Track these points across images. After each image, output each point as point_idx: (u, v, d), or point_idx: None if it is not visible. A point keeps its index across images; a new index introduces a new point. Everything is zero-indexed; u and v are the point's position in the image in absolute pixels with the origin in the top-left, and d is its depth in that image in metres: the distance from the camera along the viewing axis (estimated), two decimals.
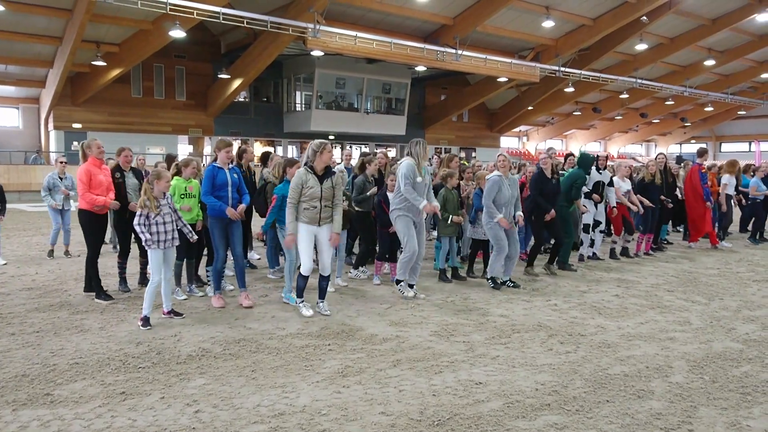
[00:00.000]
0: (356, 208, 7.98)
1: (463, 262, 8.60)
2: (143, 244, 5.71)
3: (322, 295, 6.20)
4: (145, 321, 5.61)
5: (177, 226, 5.89)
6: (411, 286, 7.02)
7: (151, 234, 5.62)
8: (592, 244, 9.61)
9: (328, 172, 5.96)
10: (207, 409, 3.84)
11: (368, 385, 4.24)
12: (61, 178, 9.58)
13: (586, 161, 8.83)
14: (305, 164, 5.96)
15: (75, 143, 7.08)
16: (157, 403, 3.94)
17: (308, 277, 6.05)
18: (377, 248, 8.12)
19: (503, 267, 7.51)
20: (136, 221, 5.66)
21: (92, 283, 6.75)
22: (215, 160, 6.51)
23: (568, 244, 8.71)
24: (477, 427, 3.62)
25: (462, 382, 4.32)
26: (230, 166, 6.56)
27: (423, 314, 6.18)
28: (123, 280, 7.16)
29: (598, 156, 9.60)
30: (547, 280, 8.01)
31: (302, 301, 6.14)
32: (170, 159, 8.49)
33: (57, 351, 4.94)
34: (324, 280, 6.15)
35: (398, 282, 6.96)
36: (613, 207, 9.43)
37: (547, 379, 4.38)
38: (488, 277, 7.48)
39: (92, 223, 6.71)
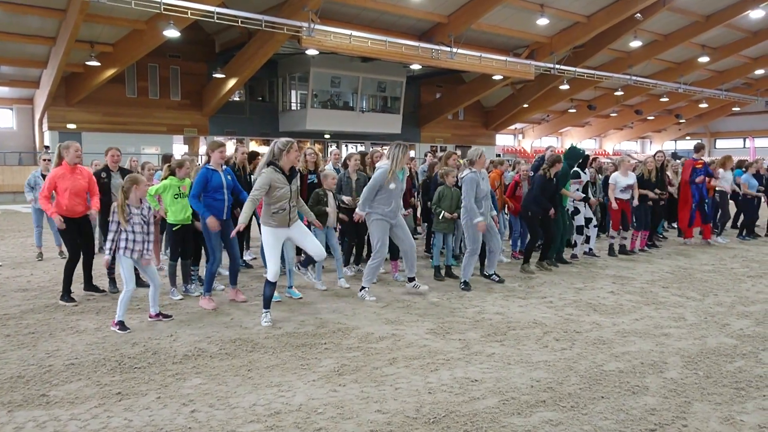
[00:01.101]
0: (342, 205, 8.01)
1: (457, 260, 8.62)
2: (106, 247, 5.57)
3: (265, 303, 5.89)
4: (122, 326, 5.51)
5: (148, 231, 5.72)
6: (412, 279, 7.03)
7: (119, 241, 5.53)
8: (587, 240, 9.65)
9: (293, 172, 5.77)
10: (203, 409, 3.84)
11: (364, 384, 4.25)
12: (44, 176, 9.53)
13: (572, 155, 8.88)
14: (271, 163, 5.67)
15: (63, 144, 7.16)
16: (153, 403, 3.94)
17: (275, 284, 5.82)
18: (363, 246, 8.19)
19: (489, 263, 7.64)
20: (113, 228, 5.53)
21: (63, 285, 6.59)
22: (208, 161, 6.44)
23: (556, 240, 8.75)
24: (473, 424, 3.63)
25: (458, 379, 4.33)
26: (223, 167, 6.50)
27: (419, 312, 6.19)
28: (112, 280, 7.14)
29: (587, 156, 9.68)
30: (543, 277, 8.04)
31: (267, 312, 5.78)
32: (166, 159, 8.49)
33: (52, 352, 4.94)
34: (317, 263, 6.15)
35: (362, 288, 6.79)
36: (592, 198, 9.56)
37: (543, 376, 4.40)
38: (461, 280, 7.37)
39: (64, 228, 6.54)
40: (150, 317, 5.82)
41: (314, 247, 5.95)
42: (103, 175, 7.21)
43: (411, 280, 7.05)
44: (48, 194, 6.50)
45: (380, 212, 6.69)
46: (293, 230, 5.83)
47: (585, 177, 9.36)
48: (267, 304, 5.82)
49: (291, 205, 5.72)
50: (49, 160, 9.79)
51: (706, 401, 3.98)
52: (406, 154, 6.82)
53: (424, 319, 5.92)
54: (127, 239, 5.55)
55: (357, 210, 6.81)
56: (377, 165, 7.03)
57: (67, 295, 6.56)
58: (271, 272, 5.74)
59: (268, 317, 5.76)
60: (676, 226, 12.66)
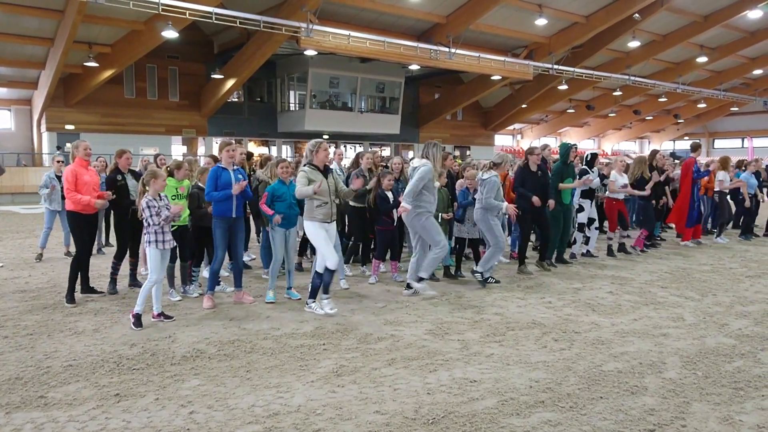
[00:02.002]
0: (351, 204, 8.03)
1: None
2: (158, 221, 5.65)
3: (325, 290, 6.24)
4: (137, 320, 5.58)
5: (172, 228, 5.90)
6: (421, 280, 7.02)
7: (152, 234, 5.64)
8: (586, 241, 9.65)
9: (327, 169, 6.17)
10: (201, 410, 3.84)
11: (363, 384, 4.25)
12: (58, 177, 9.58)
13: (562, 151, 8.94)
14: (307, 163, 6.12)
15: (68, 144, 7.26)
16: (152, 404, 3.93)
17: (334, 271, 6.16)
18: (371, 246, 8.16)
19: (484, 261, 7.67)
20: (152, 221, 5.64)
21: (69, 284, 6.62)
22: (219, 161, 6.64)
23: (554, 240, 8.76)
24: (471, 425, 3.63)
25: (456, 380, 4.33)
26: (234, 167, 6.59)
27: (417, 313, 6.19)
28: (113, 281, 7.14)
29: (595, 154, 9.74)
30: (541, 278, 8.04)
31: (328, 297, 6.14)
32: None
33: (51, 353, 4.93)
34: (329, 275, 6.19)
35: (421, 280, 6.90)
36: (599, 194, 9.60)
37: (542, 377, 4.39)
38: (479, 271, 7.45)
39: (80, 223, 6.65)
40: (152, 317, 5.82)
41: (334, 254, 6.16)
42: (119, 177, 7.24)
43: (420, 280, 7.04)
44: (74, 189, 6.53)
45: (430, 209, 6.80)
46: (331, 229, 6.20)
47: (593, 175, 9.39)
48: (326, 289, 6.13)
49: (332, 199, 6.10)
50: (62, 161, 9.85)
51: (704, 401, 3.98)
52: (441, 153, 7.00)
53: (423, 320, 5.92)
54: (157, 232, 5.66)
55: (403, 204, 6.72)
56: (413, 164, 7.03)
57: (70, 295, 6.59)
58: (332, 261, 6.03)
59: (331, 304, 6.08)
60: (673, 226, 12.70)
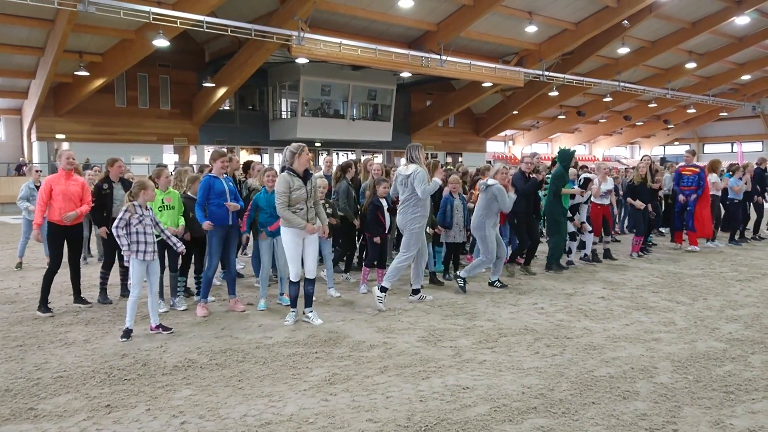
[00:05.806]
0: (340, 214, 8.05)
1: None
2: (122, 251, 5.61)
3: (308, 302, 6.17)
4: (126, 333, 5.55)
5: (157, 238, 5.82)
6: (417, 291, 7.04)
7: (131, 243, 5.56)
8: (582, 246, 9.72)
9: (307, 174, 5.96)
10: (193, 420, 3.82)
11: (355, 392, 4.24)
12: (37, 187, 9.56)
13: (564, 157, 8.97)
14: (286, 168, 5.95)
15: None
16: (143, 415, 3.91)
17: (299, 283, 6.05)
18: (359, 254, 8.19)
19: (494, 269, 7.74)
20: (115, 224, 5.55)
21: (41, 294, 6.57)
22: (210, 170, 6.57)
23: (555, 245, 8.83)
24: None
25: (449, 387, 4.33)
26: (224, 175, 6.58)
27: (410, 320, 6.19)
28: (104, 291, 7.10)
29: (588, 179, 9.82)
30: (533, 283, 8.06)
31: (293, 311, 6.11)
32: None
33: (41, 364, 4.89)
34: (310, 284, 6.12)
35: (383, 289, 6.64)
36: (583, 222, 9.53)
37: (534, 383, 4.40)
38: (461, 276, 7.49)
39: (54, 235, 6.58)
40: (150, 329, 5.77)
41: (312, 263, 6.07)
42: (105, 186, 7.18)
43: (416, 292, 7.05)
44: (46, 200, 6.50)
45: (422, 215, 6.77)
46: (308, 236, 6.00)
47: (594, 184, 9.48)
48: (293, 303, 6.12)
49: (308, 206, 5.95)
50: (40, 171, 9.89)
51: (696, 405, 4.00)
52: (423, 153, 6.98)
53: (416, 327, 5.92)
54: (138, 242, 5.58)
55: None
56: (404, 171, 6.92)
57: (44, 305, 6.53)
58: (293, 273, 5.96)
59: (292, 316, 6.05)
60: (664, 231, 12.78)
